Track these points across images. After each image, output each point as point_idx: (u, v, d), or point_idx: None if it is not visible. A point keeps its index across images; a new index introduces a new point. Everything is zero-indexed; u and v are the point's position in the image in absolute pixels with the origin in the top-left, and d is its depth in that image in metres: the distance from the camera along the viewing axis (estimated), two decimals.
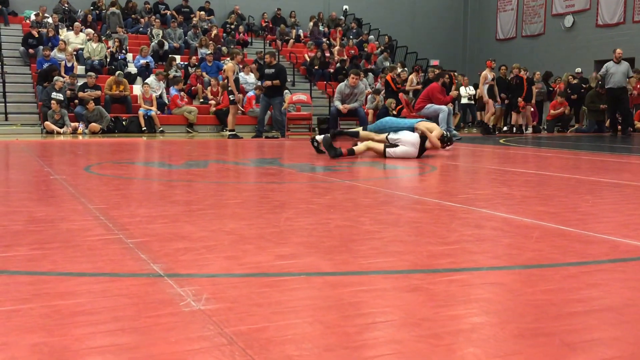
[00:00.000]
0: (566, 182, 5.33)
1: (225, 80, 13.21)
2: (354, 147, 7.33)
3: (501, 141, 11.52)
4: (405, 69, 16.23)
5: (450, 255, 2.40)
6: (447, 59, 23.25)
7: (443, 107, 11.18)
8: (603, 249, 2.57)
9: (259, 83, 15.15)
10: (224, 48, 17.76)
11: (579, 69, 17.35)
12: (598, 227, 3.02)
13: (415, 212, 3.50)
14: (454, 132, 8.12)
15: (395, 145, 7.18)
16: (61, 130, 13.03)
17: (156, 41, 17.49)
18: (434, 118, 11.57)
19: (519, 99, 14.42)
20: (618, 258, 2.41)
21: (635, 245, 2.62)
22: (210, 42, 17.82)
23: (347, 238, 2.72)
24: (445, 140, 7.69)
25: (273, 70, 12.81)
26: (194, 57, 16.85)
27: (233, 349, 1.45)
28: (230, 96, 12.56)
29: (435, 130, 7.57)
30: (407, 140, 7.16)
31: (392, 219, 3.26)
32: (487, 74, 14.52)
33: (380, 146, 7.25)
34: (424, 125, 7.59)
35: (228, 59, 14.74)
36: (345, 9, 23.37)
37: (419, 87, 13.94)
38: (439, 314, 1.72)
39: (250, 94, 15.46)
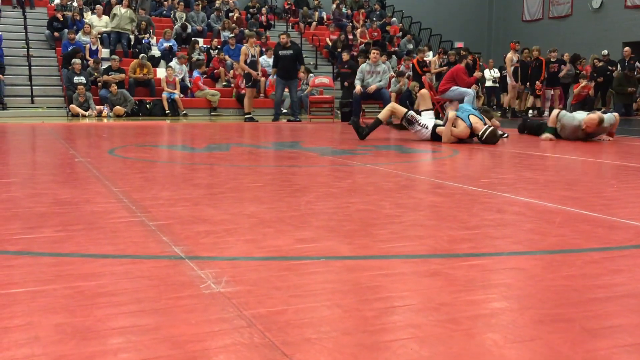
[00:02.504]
0: (591, 166, 5.25)
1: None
2: (378, 116, 7.51)
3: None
4: (431, 52, 16.07)
5: (470, 240, 2.39)
6: (472, 41, 22.94)
7: (469, 90, 11.04)
8: (627, 235, 2.54)
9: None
10: (246, 31, 17.74)
11: (605, 51, 17.00)
12: (622, 213, 2.97)
13: (436, 196, 3.49)
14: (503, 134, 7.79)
15: (418, 124, 7.21)
16: (86, 113, 13.18)
17: (179, 24, 17.53)
18: (459, 101, 11.46)
19: (537, 82, 14.26)
20: None
21: None
22: (233, 25, 17.80)
23: (367, 222, 2.72)
24: (482, 138, 6.98)
25: (291, 51, 12.67)
26: (216, 40, 16.87)
27: (252, 331, 1.46)
28: (243, 80, 12.51)
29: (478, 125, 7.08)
30: (424, 122, 7.19)
31: (413, 203, 3.25)
32: (512, 57, 14.32)
33: (402, 109, 7.34)
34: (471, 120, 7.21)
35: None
36: None
37: (443, 69, 13.79)
38: (458, 299, 1.71)
39: (271, 77, 15.44)
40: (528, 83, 14.44)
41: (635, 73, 15.56)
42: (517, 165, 5.26)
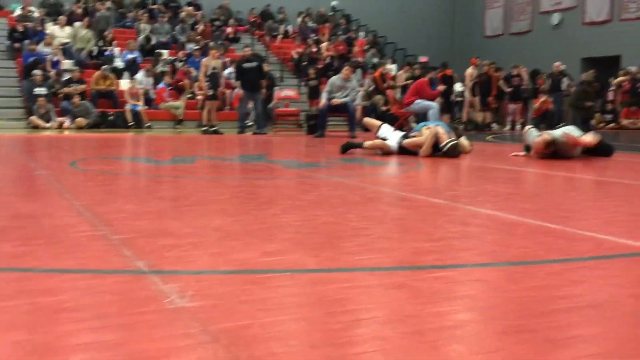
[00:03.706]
0: (550, 179, 5.36)
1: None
2: (364, 143, 7.46)
3: (487, 138, 11.58)
4: (394, 65, 16.27)
5: (435, 252, 2.41)
6: (436, 55, 23.27)
7: (432, 103, 11.20)
8: (587, 246, 2.59)
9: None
10: (211, 43, 17.69)
11: (564, 66, 17.42)
12: (582, 225, 3.04)
13: (402, 208, 3.51)
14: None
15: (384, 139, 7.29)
16: (47, 125, 12.94)
17: (143, 36, 17.38)
18: (422, 115, 11.61)
19: (489, 98, 14.73)
20: (601, 255, 2.43)
21: (619, 242, 2.64)
22: (198, 37, 17.73)
23: (333, 235, 2.73)
24: (444, 149, 6.97)
25: (255, 63, 12.69)
26: (182, 52, 16.77)
27: (217, 347, 1.45)
28: (209, 91, 12.48)
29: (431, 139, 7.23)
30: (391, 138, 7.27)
31: (379, 215, 3.27)
32: (473, 72, 14.61)
33: (376, 124, 7.46)
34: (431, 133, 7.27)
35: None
36: (334, 5, 23.34)
37: (408, 82, 13.97)
38: (423, 311, 1.72)
39: (237, 90, 15.40)
40: (481, 98, 14.87)
41: (566, 88, 16.08)
42: (480, 178, 5.35)
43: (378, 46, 21.25)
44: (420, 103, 11.18)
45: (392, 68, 17.66)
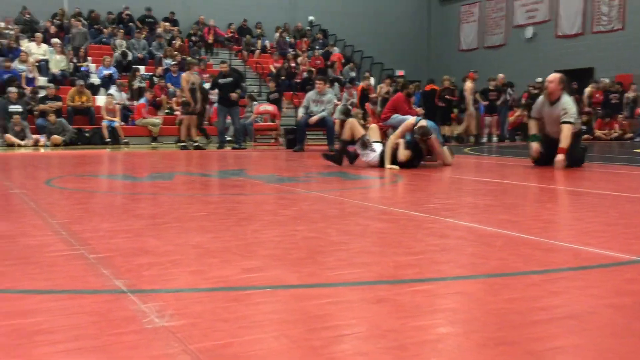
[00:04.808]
0: (528, 190, 5.42)
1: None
2: (342, 138, 7.76)
3: (465, 150, 11.68)
4: (372, 78, 16.38)
5: (415, 266, 2.41)
6: (412, 69, 23.55)
7: (408, 116, 11.26)
8: (565, 257, 2.62)
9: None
10: (188, 58, 17.67)
11: (539, 79, 17.73)
12: (559, 235, 3.07)
13: (381, 222, 3.52)
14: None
15: (371, 149, 7.32)
16: (22, 143, 12.78)
17: (119, 52, 17.30)
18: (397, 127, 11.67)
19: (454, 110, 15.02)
20: (579, 266, 2.46)
21: (596, 252, 2.67)
22: (175, 52, 17.70)
23: (313, 250, 2.72)
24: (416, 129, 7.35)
25: (231, 79, 12.75)
26: (159, 68, 16.72)
27: None
28: (183, 107, 12.48)
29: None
30: (375, 147, 7.33)
31: (359, 229, 3.27)
32: (472, 85, 14.79)
33: (360, 131, 7.48)
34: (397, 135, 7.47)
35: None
36: (311, 20, 23.49)
37: (387, 96, 14.08)
38: (404, 325, 1.72)
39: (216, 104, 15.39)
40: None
41: (508, 99, 16.43)
42: (458, 191, 5.38)
43: (354, 60, 21.39)
44: (397, 117, 11.25)
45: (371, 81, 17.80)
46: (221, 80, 12.74)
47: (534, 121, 7.57)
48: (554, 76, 7.32)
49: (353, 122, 7.67)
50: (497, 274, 2.32)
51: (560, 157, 6.98)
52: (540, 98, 7.55)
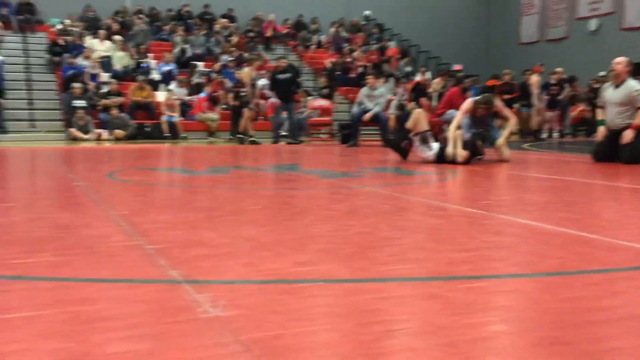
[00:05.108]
0: (589, 187, 5.25)
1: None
2: (406, 126, 7.68)
3: (524, 146, 11.41)
4: (428, 72, 16.21)
5: (469, 263, 2.38)
6: (470, 63, 23.10)
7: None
8: (627, 256, 2.53)
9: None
10: (245, 54, 17.87)
11: (602, 73, 17.11)
12: (622, 234, 2.97)
13: (435, 218, 3.48)
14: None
15: (429, 147, 7.22)
16: (85, 137, 13.21)
17: (179, 48, 17.66)
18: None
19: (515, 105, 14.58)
20: None
21: None
22: (232, 48, 17.94)
23: (365, 245, 2.72)
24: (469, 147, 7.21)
25: (289, 74, 12.89)
26: (217, 64, 16.98)
27: (249, 356, 1.45)
28: (245, 102, 12.63)
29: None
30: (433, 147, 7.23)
31: (412, 225, 3.25)
32: (538, 79, 14.43)
33: (424, 126, 7.41)
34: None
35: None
36: (367, 14, 23.37)
37: (443, 91, 13.89)
38: (456, 322, 1.70)
39: (272, 99, 15.52)
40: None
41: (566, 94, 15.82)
42: (515, 187, 5.27)
43: (411, 55, 21.18)
44: (452, 113, 11.10)
45: (428, 75, 17.63)
46: (280, 76, 12.89)
47: (600, 109, 7.60)
48: (621, 59, 7.28)
49: (420, 114, 7.56)
50: (555, 272, 2.26)
51: (629, 131, 6.86)
52: (606, 84, 7.56)
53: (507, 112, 7.81)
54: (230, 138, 13.68)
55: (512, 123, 7.91)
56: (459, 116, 7.45)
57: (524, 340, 1.58)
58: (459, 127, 7.31)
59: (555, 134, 15.26)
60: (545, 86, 15.58)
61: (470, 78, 14.71)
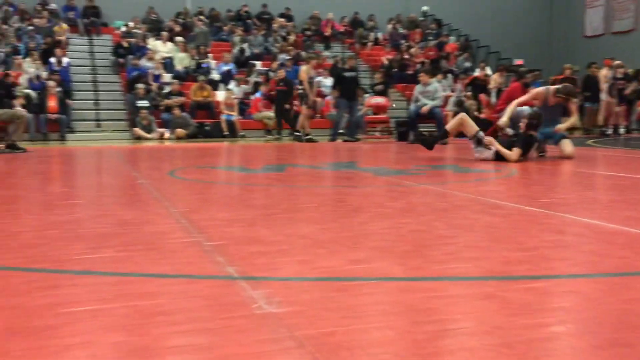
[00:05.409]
0: None
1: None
2: (446, 127, 7.55)
3: (589, 142, 11.05)
4: (487, 68, 15.89)
5: (527, 262, 2.33)
6: (532, 58, 22.51)
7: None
8: None
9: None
10: (303, 53, 17.97)
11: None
12: None
13: (492, 216, 3.42)
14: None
15: (485, 147, 7.08)
16: (149, 136, 13.59)
17: (238, 48, 17.93)
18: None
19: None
20: None
21: None
22: (290, 47, 18.08)
23: (420, 243, 2.70)
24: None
25: (354, 73, 13.04)
26: (275, 63, 17.15)
27: (302, 352, 1.47)
28: (302, 99, 12.72)
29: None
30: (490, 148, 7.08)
31: (468, 223, 3.20)
32: (607, 73, 13.98)
33: (473, 126, 7.19)
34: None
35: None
36: (425, 9, 23.11)
37: (502, 87, 13.61)
38: (512, 323, 1.68)
39: (329, 97, 15.55)
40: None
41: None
42: (578, 185, 5.12)
43: (470, 50, 20.80)
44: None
45: (487, 70, 17.27)
46: (346, 74, 12.99)
47: None
48: None
49: (464, 118, 7.39)
50: (617, 273, 2.19)
51: None
52: None
53: (574, 107, 7.56)
54: (277, 137, 13.80)
55: (573, 121, 7.63)
56: (525, 97, 7.37)
57: (583, 342, 1.55)
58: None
59: (622, 130, 14.70)
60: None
61: (532, 73, 14.34)
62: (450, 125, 7.49)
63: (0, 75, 11.90)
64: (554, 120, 7.49)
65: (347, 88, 12.93)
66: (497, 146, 6.96)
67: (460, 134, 7.69)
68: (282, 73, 14.04)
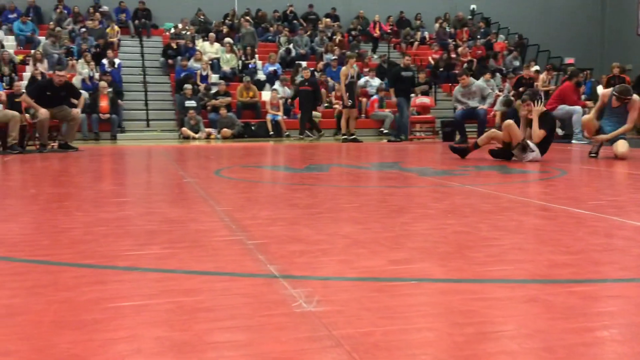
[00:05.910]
0: None
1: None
2: (477, 140, 7.48)
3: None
4: (536, 67, 15.56)
5: (573, 266, 2.29)
6: (584, 56, 21.96)
7: (577, 107, 10.61)
8: None
9: (383, 86, 15.32)
10: (347, 52, 17.97)
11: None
12: None
13: (538, 218, 3.36)
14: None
15: (530, 150, 6.93)
16: (196, 136, 13.83)
17: (284, 48, 18.06)
18: (567, 120, 11.01)
19: None
20: None
21: None
22: (335, 47, 18.11)
23: (463, 244, 2.67)
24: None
25: (411, 73, 13.12)
26: (320, 63, 17.20)
27: (340, 352, 1.48)
28: (349, 101, 12.67)
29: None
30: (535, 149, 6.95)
31: (513, 225, 3.15)
32: None
33: (519, 135, 7.06)
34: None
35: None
36: (473, 8, 22.81)
37: (551, 88, 13.33)
38: (554, 327, 1.65)
39: (374, 97, 15.51)
40: None
41: None
42: (630, 187, 4.97)
43: (519, 48, 20.41)
44: (564, 108, 10.64)
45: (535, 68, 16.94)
46: (404, 74, 13.00)
47: None
48: None
49: (512, 126, 7.03)
50: None
51: None
52: None
53: (634, 114, 7.20)
54: (301, 137, 13.85)
55: (626, 127, 7.30)
56: (599, 103, 7.37)
57: (628, 348, 1.51)
58: (597, 118, 7.34)
59: None
60: None
61: (584, 72, 13.96)
62: (503, 135, 7.15)
63: (49, 76, 12.27)
64: (618, 122, 7.27)
65: (404, 88, 12.97)
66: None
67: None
68: (307, 73, 14.10)
